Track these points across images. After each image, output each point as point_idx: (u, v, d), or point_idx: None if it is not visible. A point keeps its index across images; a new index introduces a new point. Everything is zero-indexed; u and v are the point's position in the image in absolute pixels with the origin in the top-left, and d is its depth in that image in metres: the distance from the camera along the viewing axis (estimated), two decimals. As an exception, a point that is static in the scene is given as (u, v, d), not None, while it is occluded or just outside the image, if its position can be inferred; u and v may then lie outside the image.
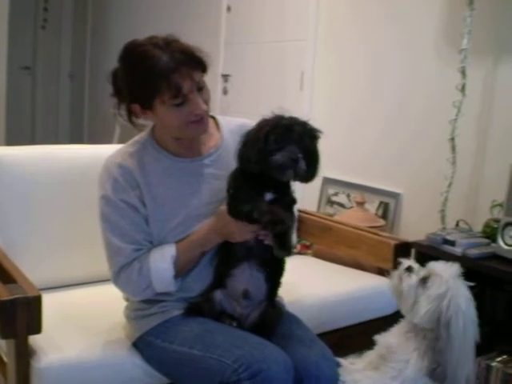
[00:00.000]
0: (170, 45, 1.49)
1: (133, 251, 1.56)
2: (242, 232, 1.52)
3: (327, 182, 3.27)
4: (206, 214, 1.59)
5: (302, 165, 1.44)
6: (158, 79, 1.45)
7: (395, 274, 1.67)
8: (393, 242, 2.22)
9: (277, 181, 1.49)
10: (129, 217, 1.56)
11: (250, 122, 1.72)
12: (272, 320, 1.58)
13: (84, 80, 6.25)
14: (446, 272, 1.59)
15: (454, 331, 1.51)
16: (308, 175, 1.49)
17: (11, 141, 4.68)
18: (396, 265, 2.18)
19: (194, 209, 1.60)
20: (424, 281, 1.59)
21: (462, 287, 1.57)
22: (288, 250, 1.55)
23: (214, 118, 1.72)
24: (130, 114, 1.57)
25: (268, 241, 1.53)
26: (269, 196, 1.50)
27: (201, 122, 1.54)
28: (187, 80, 1.46)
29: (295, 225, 1.59)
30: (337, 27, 3.26)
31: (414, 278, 1.61)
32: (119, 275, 1.58)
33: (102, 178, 1.60)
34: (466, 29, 2.32)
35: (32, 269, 1.68)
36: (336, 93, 3.28)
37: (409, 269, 1.64)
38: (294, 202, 1.56)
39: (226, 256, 1.59)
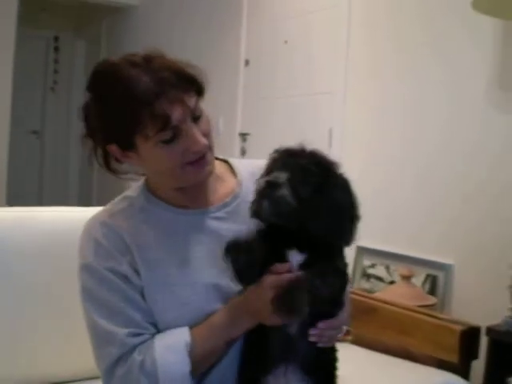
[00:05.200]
0: (151, 62, 1.15)
1: (129, 337, 1.17)
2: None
3: (362, 251, 2.95)
4: (225, 285, 1.20)
5: (283, 192, 1.02)
6: (138, 108, 1.10)
7: None
8: (458, 328, 1.91)
9: (304, 234, 1.06)
10: (120, 290, 1.19)
11: None
12: None
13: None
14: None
15: None
16: (319, 224, 1.05)
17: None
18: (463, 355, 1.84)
19: (207, 278, 1.21)
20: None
21: None
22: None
23: (226, 161, 1.38)
24: (107, 158, 1.23)
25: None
26: (296, 257, 1.08)
27: (201, 161, 1.17)
28: (177, 106, 1.12)
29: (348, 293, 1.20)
30: (367, 78, 3.01)
31: None
32: (113, 373, 1.17)
33: (81, 242, 1.25)
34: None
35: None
36: (369, 150, 3.03)
37: None
38: (340, 268, 1.12)
39: (256, 354, 1.17)
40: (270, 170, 1.08)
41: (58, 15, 6.31)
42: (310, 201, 1.04)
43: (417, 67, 2.75)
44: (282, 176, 1.03)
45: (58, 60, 6.36)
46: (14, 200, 4.91)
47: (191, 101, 1.14)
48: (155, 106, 1.09)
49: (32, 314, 1.57)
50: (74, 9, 6.39)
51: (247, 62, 3.84)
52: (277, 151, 1.14)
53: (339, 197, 1.08)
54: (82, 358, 1.44)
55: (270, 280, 1.09)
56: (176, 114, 1.11)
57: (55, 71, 6.36)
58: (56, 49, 6.41)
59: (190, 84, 1.15)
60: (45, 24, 6.23)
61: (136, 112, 1.10)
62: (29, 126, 6.38)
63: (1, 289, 1.55)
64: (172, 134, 1.12)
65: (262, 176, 1.09)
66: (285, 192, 1.02)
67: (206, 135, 1.17)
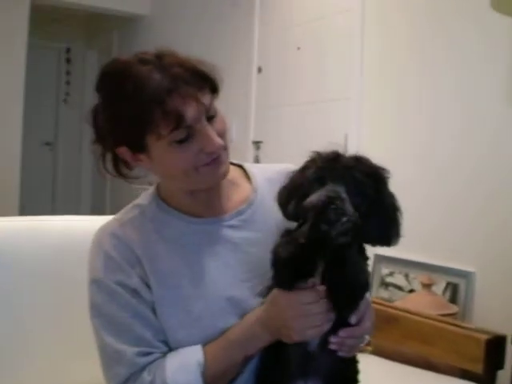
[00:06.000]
0: (162, 59, 1.09)
1: (138, 356, 1.10)
2: (304, 324, 1.02)
3: (380, 260, 2.84)
4: (241, 297, 1.14)
5: (347, 210, 0.98)
6: (149, 105, 1.04)
7: None
8: (483, 337, 1.81)
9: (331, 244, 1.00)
10: (129, 306, 1.12)
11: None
12: None
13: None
14: None
15: None
16: (372, 232, 1.02)
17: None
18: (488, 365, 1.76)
19: (221, 291, 1.14)
20: None
21: None
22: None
23: (240, 166, 1.32)
24: (118, 162, 1.16)
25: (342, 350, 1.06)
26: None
27: (216, 162, 1.11)
28: (191, 103, 1.05)
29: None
30: (382, 82, 2.92)
31: None
32: None
33: (91, 255, 1.19)
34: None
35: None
36: (386, 155, 2.84)
37: None
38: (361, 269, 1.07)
39: (272, 370, 1.11)
40: (320, 178, 1.01)
41: (69, 26, 6.28)
42: (365, 212, 1.00)
43: (433, 71, 2.67)
44: (341, 190, 0.98)
45: (70, 71, 6.31)
46: (27, 212, 4.84)
47: (205, 98, 1.08)
48: (167, 102, 1.03)
49: (41, 326, 1.47)
50: (85, 20, 6.37)
51: (260, 70, 3.75)
52: (318, 155, 1.07)
53: (390, 204, 1.06)
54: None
55: (292, 299, 1.03)
56: (190, 111, 1.05)
57: (67, 83, 6.30)
58: (68, 60, 6.37)
59: (203, 81, 1.09)
60: (56, 35, 6.19)
61: (147, 110, 1.04)
62: (42, 137, 6.34)
63: (14, 296, 1.44)
64: (186, 133, 1.06)
65: (308, 183, 1.02)
66: (350, 209, 0.97)
67: (221, 135, 1.11)
